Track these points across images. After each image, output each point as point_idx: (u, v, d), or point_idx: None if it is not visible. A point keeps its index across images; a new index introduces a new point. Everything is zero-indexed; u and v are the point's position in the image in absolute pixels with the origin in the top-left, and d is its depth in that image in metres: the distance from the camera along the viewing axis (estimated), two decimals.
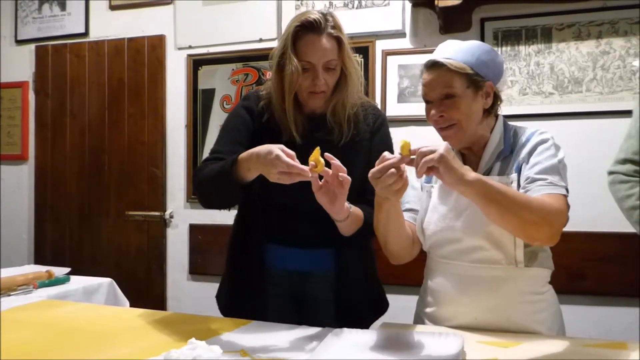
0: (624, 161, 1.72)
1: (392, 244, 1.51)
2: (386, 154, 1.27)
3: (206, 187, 1.57)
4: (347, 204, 1.46)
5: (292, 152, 1.32)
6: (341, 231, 1.53)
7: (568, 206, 1.37)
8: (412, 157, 1.27)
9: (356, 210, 1.53)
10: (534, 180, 1.37)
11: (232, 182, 1.43)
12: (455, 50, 1.45)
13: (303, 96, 1.60)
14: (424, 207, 1.55)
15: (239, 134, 1.64)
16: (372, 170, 1.27)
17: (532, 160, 1.41)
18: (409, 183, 1.40)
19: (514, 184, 1.41)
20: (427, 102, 1.49)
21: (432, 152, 1.23)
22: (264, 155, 1.34)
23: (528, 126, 1.54)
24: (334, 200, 1.40)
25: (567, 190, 1.37)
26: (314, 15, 1.54)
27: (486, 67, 1.44)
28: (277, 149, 1.32)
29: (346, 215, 1.47)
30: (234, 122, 1.68)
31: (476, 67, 1.43)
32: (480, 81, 1.43)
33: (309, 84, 1.56)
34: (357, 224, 1.54)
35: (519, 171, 1.42)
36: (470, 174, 1.26)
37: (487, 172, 1.46)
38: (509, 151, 1.47)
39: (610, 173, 1.78)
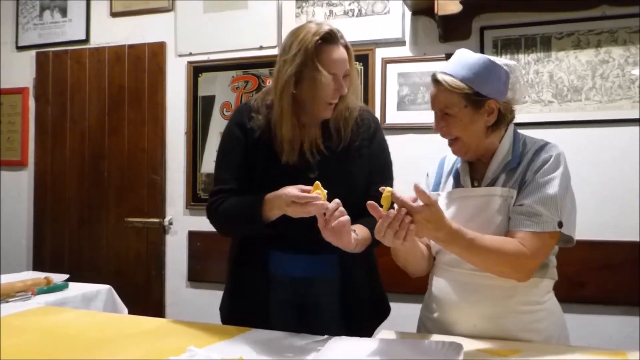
0: None
1: (412, 266, 1.55)
2: (391, 212, 1.25)
3: (229, 223, 1.65)
4: (353, 234, 1.46)
5: (308, 187, 1.41)
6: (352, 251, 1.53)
7: (557, 238, 1.41)
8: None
9: (363, 233, 1.53)
10: (522, 213, 1.38)
11: (259, 221, 1.51)
12: (461, 65, 1.44)
13: (318, 107, 1.59)
14: None
15: (236, 156, 1.65)
16: (375, 229, 1.28)
17: (532, 185, 1.40)
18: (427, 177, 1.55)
19: (513, 199, 1.41)
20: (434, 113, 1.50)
21: (415, 212, 1.23)
22: (280, 194, 1.45)
23: (530, 135, 1.55)
24: (340, 237, 1.41)
25: (559, 223, 1.38)
26: (327, 27, 1.55)
27: (486, 85, 1.42)
28: (291, 187, 1.43)
29: (354, 246, 1.47)
30: (229, 143, 1.69)
31: (476, 85, 1.41)
32: (480, 100, 1.42)
33: (330, 94, 1.56)
34: (366, 244, 1.55)
35: (519, 187, 1.42)
36: (441, 234, 1.28)
37: (492, 183, 1.47)
38: (517, 163, 1.46)
39: None
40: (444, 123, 1.46)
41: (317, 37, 1.53)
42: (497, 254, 1.34)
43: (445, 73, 1.43)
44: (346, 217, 1.39)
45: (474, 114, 1.43)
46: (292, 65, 1.54)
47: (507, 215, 1.42)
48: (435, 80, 1.45)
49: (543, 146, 1.46)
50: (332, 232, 1.39)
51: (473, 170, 1.54)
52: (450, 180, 1.58)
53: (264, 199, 1.50)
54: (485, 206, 1.44)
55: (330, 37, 1.54)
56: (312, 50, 1.52)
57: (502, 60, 1.47)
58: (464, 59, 1.45)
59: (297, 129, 1.59)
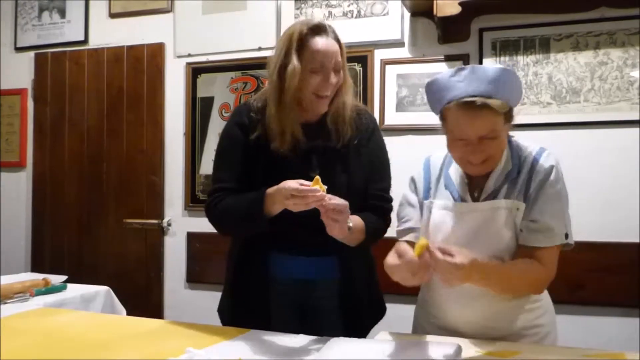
0: None
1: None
2: (413, 259, 1.25)
3: (229, 219, 1.63)
4: (348, 222, 1.47)
5: (308, 182, 1.39)
6: (345, 242, 1.54)
7: (566, 246, 1.42)
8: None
9: (358, 224, 1.54)
10: (537, 230, 1.37)
11: (260, 216, 1.50)
12: (493, 84, 1.32)
13: (308, 100, 1.59)
14: (424, 222, 1.52)
15: (235, 155, 1.65)
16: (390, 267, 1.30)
17: (541, 199, 1.38)
18: (408, 201, 1.52)
19: (520, 212, 1.39)
20: (458, 139, 1.38)
21: (455, 266, 1.21)
22: (281, 187, 1.44)
23: (526, 137, 1.54)
24: (335, 224, 1.42)
25: (566, 234, 1.39)
26: (316, 21, 1.58)
27: (513, 96, 1.38)
28: (291, 181, 1.41)
29: (345, 235, 1.48)
30: (228, 142, 1.69)
31: (510, 100, 1.36)
32: (511, 114, 1.39)
33: (318, 86, 1.56)
34: (359, 237, 1.56)
35: (524, 198, 1.40)
36: (475, 276, 1.26)
37: (495, 195, 1.43)
38: (517, 172, 1.43)
39: None
40: (482, 147, 1.35)
41: (304, 28, 1.55)
42: (523, 279, 1.36)
43: (483, 96, 1.31)
44: (342, 215, 1.42)
45: (507, 129, 1.39)
46: (279, 59, 1.57)
47: (514, 228, 1.40)
48: (483, 106, 1.31)
49: (540, 153, 1.44)
50: (329, 220, 1.42)
51: (470, 183, 1.48)
52: (442, 188, 1.52)
53: (265, 193, 1.50)
54: (490, 220, 1.41)
55: (318, 29, 1.56)
56: (297, 41, 1.55)
57: (499, 65, 1.43)
58: (490, 78, 1.32)
59: (292, 125, 1.59)
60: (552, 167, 1.41)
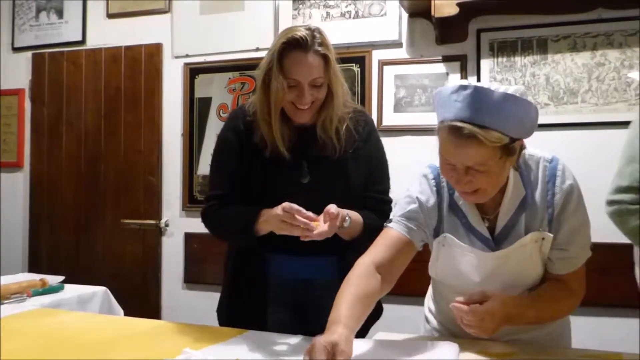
0: (628, 189, 1.64)
1: None
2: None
3: (224, 232, 1.69)
4: (345, 217, 1.49)
5: (301, 209, 1.43)
6: (341, 236, 1.55)
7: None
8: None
9: (356, 218, 1.56)
10: (569, 257, 1.36)
11: (252, 234, 1.55)
12: (492, 112, 1.17)
13: (289, 111, 1.60)
14: (437, 259, 1.43)
15: (230, 161, 1.66)
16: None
17: (565, 227, 1.33)
18: (420, 203, 1.41)
19: (547, 242, 1.33)
20: (446, 163, 1.28)
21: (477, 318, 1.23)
22: (275, 211, 1.47)
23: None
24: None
25: (590, 248, 1.39)
26: (301, 32, 1.53)
27: (523, 129, 1.23)
28: (287, 204, 1.44)
29: (336, 229, 1.49)
30: (224, 149, 1.70)
31: (512, 131, 1.20)
32: (514, 147, 1.24)
33: (294, 100, 1.56)
34: (357, 231, 1.57)
35: (549, 224, 1.33)
36: (505, 322, 1.27)
37: (511, 226, 1.34)
38: (531, 195, 1.33)
39: (613, 203, 1.68)
40: (469, 177, 1.23)
41: (283, 41, 1.53)
42: (558, 304, 1.37)
43: (474, 124, 1.17)
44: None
45: (505, 162, 1.24)
46: (263, 72, 1.58)
47: (540, 258, 1.35)
48: (468, 136, 1.18)
49: (554, 170, 1.34)
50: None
51: (480, 209, 1.38)
52: (454, 219, 1.39)
53: (259, 212, 1.53)
54: (517, 259, 1.35)
55: (297, 43, 1.52)
56: (276, 54, 1.54)
57: (514, 87, 1.21)
58: (491, 100, 1.17)
59: (281, 133, 1.60)
60: (571, 187, 1.33)
